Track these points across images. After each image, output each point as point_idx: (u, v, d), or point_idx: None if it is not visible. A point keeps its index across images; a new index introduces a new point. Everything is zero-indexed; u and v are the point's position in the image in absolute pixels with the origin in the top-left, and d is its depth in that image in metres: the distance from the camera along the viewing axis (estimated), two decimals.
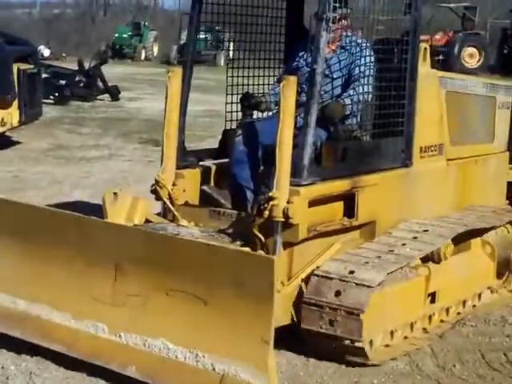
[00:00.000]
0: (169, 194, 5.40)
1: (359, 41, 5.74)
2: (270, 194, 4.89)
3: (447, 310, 5.68)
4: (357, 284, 4.85)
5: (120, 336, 4.54)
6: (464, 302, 5.85)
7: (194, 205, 5.49)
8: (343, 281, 4.90)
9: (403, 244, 5.38)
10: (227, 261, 4.19)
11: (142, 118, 15.74)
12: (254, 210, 4.99)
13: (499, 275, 6.31)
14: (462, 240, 5.99)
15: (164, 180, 5.41)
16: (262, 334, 4.12)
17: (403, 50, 5.72)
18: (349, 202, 5.41)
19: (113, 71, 19.88)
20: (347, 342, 4.85)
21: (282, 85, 4.88)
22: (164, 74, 5.46)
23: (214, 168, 5.74)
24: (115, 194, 4.60)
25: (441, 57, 29.85)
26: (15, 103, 12.31)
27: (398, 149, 5.80)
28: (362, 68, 5.64)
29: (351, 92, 5.59)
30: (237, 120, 5.98)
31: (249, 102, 5.83)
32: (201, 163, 5.77)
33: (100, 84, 17.73)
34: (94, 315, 4.66)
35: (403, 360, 5.08)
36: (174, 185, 5.44)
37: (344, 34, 5.82)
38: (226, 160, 5.81)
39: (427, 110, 5.99)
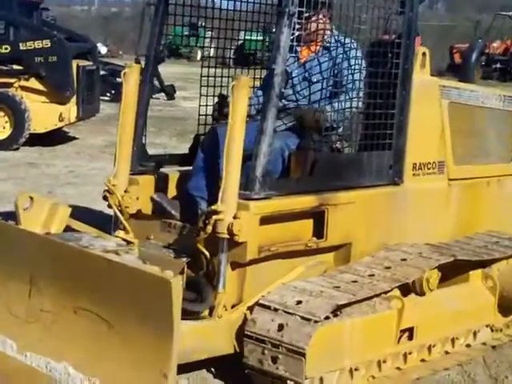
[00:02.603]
0: (119, 202, 4.92)
1: (346, 41, 5.15)
2: (214, 208, 4.36)
3: (429, 349, 5.02)
4: (301, 317, 4.28)
5: (26, 356, 4.07)
6: (453, 341, 5.17)
7: (146, 215, 4.99)
8: (287, 313, 4.33)
9: (371, 275, 4.76)
10: (127, 280, 3.68)
11: (196, 118, 15.19)
12: (199, 224, 4.47)
13: (505, 313, 5.59)
14: (460, 271, 5.35)
15: (115, 186, 4.94)
16: (161, 366, 3.59)
17: (395, 54, 5.12)
18: (317, 220, 4.84)
19: (168, 70, 19.62)
20: (290, 382, 4.28)
21: (232, 85, 4.34)
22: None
23: (175, 175, 5.23)
24: (31, 198, 4.14)
25: (498, 65, 29.14)
26: (73, 99, 12.43)
27: (384, 164, 5.18)
28: (347, 72, 5.06)
29: (334, 99, 5.02)
30: (212, 124, 5.46)
31: (223, 107, 5.28)
32: (165, 169, 5.26)
33: (156, 83, 17.38)
34: (6, 330, 4.21)
35: (455, 369, 4.97)
36: (126, 191, 4.96)
37: (328, 32, 5.25)
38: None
39: (424, 123, 5.38)
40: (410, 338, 4.92)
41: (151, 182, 5.11)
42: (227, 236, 4.37)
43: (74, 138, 13.70)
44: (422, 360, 5.01)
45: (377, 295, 4.65)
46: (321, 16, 5.23)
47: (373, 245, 5.13)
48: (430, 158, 5.45)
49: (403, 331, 4.87)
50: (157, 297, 3.53)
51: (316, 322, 4.25)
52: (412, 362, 4.92)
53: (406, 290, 4.95)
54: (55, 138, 12.86)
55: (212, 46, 5.76)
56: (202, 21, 5.32)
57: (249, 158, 4.51)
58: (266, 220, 4.53)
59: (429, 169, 5.45)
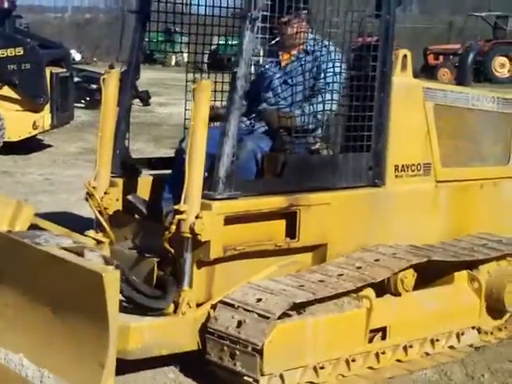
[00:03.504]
0: (98, 203, 5.09)
1: (325, 43, 5.21)
2: (176, 207, 4.48)
3: (405, 349, 5.03)
4: (258, 315, 4.37)
5: None
6: (433, 342, 5.17)
7: (125, 216, 5.14)
8: (246, 310, 4.42)
9: (340, 274, 4.80)
10: (68, 274, 3.83)
11: (172, 123, 15.21)
12: (165, 223, 4.60)
13: (495, 315, 5.56)
14: (445, 273, 5.35)
15: (95, 188, 5.10)
16: (99, 357, 3.73)
17: (373, 57, 5.17)
18: (290, 221, 4.91)
19: (143, 76, 19.74)
20: (247, 378, 4.37)
21: (192, 89, 4.47)
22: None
23: (156, 178, 5.37)
24: None
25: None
26: (47, 107, 12.28)
27: (363, 166, 5.23)
28: (326, 74, 5.13)
29: (307, 101, 5.10)
30: None
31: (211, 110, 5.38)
32: (148, 172, 5.40)
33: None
34: None
35: (432, 369, 4.99)
36: (105, 193, 5.12)
37: (308, 36, 5.32)
38: None
39: (406, 125, 5.40)
40: (384, 337, 4.94)
41: (132, 184, 5.25)
42: (189, 235, 4.48)
43: (49, 146, 13.53)
44: (398, 360, 5.02)
45: (342, 294, 4.70)
46: (299, 20, 5.31)
47: (351, 246, 5.18)
48: (414, 159, 5.47)
49: (375, 331, 4.90)
50: (92, 290, 3.67)
51: (271, 319, 4.32)
52: (386, 361, 4.94)
53: (382, 290, 5.00)
54: (29, 146, 12.72)
55: (186, 51, 5.86)
56: (177, 26, 5.43)
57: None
58: (231, 220, 4.62)
59: (413, 170, 5.46)
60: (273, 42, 5.37)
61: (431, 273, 5.32)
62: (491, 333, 5.55)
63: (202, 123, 4.48)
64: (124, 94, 5.30)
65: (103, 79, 5.10)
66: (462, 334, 5.34)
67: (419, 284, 5.18)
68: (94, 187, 5.11)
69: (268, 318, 4.34)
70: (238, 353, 4.37)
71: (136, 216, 5.08)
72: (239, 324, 4.40)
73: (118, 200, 5.14)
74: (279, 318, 4.42)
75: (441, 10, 42.41)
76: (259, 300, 4.48)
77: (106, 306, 3.65)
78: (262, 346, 4.28)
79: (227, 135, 4.58)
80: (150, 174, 5.43)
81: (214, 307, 4.60)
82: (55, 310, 3.93)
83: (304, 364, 4.53)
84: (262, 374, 4.34)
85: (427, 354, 5.16)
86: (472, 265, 5.44)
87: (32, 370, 3.99)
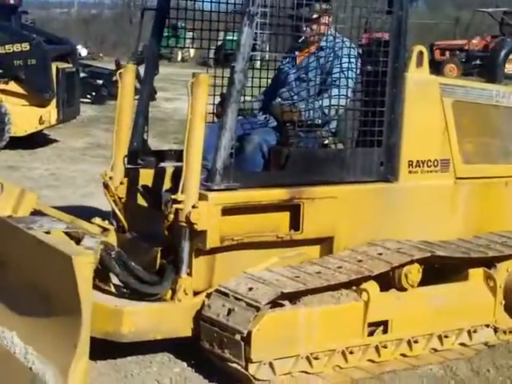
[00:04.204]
0: (114, 193, 5.29)
1: (343, 41, 5.27)
2: (173, 197, 4.63)
3: (409, 344, 5.03)
4: (246, 303, 4.47)
5: None
6: (440, 338, 5.15)
7: (140, 206, 5.32)
8: (236, 299, 4.53)
9: (339, 267, 4.85)
10: (49, 257, 4.01)
11: (177, 119, 15.23)
12: (164, 212, 4.75)
13: None
14: (460, 269, 5.32)
15: (111, 178, 5.31)
16: (73, 337, 3.90)
17: (387, 53, 5.20)
18: (294, 213, 5.00)
19: None
20: (235, 364, 4.48)
21: (190, 83, 4.60)
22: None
23: (174, 170, 5.51)
24: (1, 185, 4.57)
25: (478, 61, 28.62)
26: (53, 102, 12.25)
27: (374, 161, 5.25)
28: (337, 70, 5.19)
29: (318, 96, 5.17)
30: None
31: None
32: (167, 164, 5.56)
33: (137, 84, 16.75)
34: None
35: (438, 364, 4.99)
36: (121, 183, 5.32)
37: (328, 32, 5.39)
38: None
39: (421, 121, 5.39)
40: (385, 331, 4.96)
41: (147, 175, 5.42)
42: (186, 224, 4.62)
43: (55, 141, 13.53)
44: (403, 355, 5.03)
45: (340, 286, 4.75)
46: (325, 17, 5.40)
47: (361, 240, 5.21)
48: (431, 155, 5.45)
49: (376, 324, 4.92)
50: (66, 272, 3.85)
51: (257, 307, 4.42)
52: (388, 355, 4.95)
53: (388, 285, 5.02)
54: (36, 140, 12.76)
55: (192, 46, 5.98)
56: (182, 22, 5.57)
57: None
58: (229, 211, 4.74)
59: (429, 166, 5.45)
60: (300, 40, 5.47)
61: (446, 269, 5.30)
62: (510, 332, 5.47)
63: (199, 116, 4.61)
64: (143, 88, 5.49)
65: (119, 74, 5.29)
66: (475, 331, 5.29)
67: (433, 280, 5.19)
68: (110, 177, 5.31)
69: (254, 306, 4.43)
70: (225, 340, 4.48)
71: (147, 205, 5.26)
72: (229, 312, 4.51)
73: (132, 190, 5.32)
74: (272, 307, 4.53)
75: (447, 6, 41.67)
76: (250, 289, 4.58)
77: (77, 288, 3.82)
78: (247, 333, 4.38)
79: (225, 128, 4.70)
80: (169, 166, 5.57)
81: (209, 295, 4.72)
82: (39, 292, 4.12)
83: (296, 353, 4.60)
84: (251, 362, 4.43)
85: (435, 349, 5.15)
86: (489, 262, 5.38)
87: (19, 347, 4.19)
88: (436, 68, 26.27)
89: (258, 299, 4.46)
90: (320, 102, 5.09)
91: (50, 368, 3.94)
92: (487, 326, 5.36)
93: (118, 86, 5.42)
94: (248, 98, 5.74)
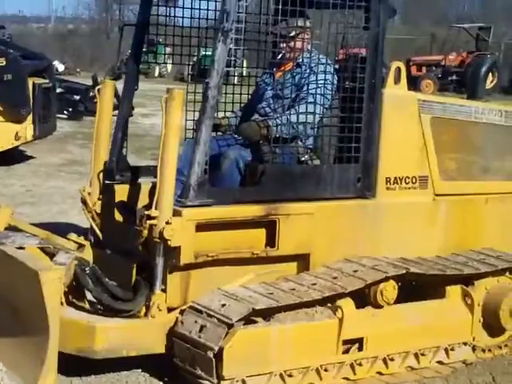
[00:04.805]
0: (91, 209, 5.29)
1: (319, 58, 5.29)
2: (147, 213, 4.63)
3: (385, 362, 5.01)
4: (218, 320, 4.46)
5: None
6: (417, 356, 5.13)
7: (114, 220, 5.31)
8: (209, 315, 4.52)
9: (313, 284, 4.84)
10: (17, 273, 4.02)
11: (155, 134, 14.75)
12: (139, 228, 4.75)
13: (493, 332, 5.46)
14: (438, 285, 5.30)
15: (89, 194, 5.31)
16: (40, 353, 3.91)
17: (363, 69, 5.20)
18: (269, 230, 4.99)
19: None
20: (206, 382, 4.46)
21: (164, 98, 4.60)
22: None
23: (149, 186, 5.51)
24: None
25: (454, 77, 29.21)
26: (30, 118, 12.08)
27: (350, 177, 5.25)
28: (312, 86, 5.19)
29: (289, 112, 5.18)
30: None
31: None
32: (142, 180, 5.55)
33: (114, 99, 16.59)
34: None
35: (414, 382, 4.99)
36: (99, 199, 5.32)
37: (305, 50, 5.40)
38: None
39: (399, 137, 5.39)
40: (361, 348, 4.95)
41: (127, 191, 5.41)
42: (159, 240, 4.62)
43: (31, 157, 13.38)
44: (379, 373, 5.01)
45: (314, 303, 4.74)
46: (304, 34, 5.41)
47: (337, 257, 5.19)
48: (409, 172, 5.44)
49: (351, 342, 4.91)
50: (34, 288, 3.85)
51: (229, 324, 4.41)
52: (364, 373, 4.93)
53: (364, 302, 5.01)
54: (12, 157, 12.49)
55: (170, 62, 6.00)
56: (160, 37, 5.57)
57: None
58: (203, 227, 4.73)
59: (407, 183, 5.44)
60: (278, 56, 5.48)
61: (423, 287, 5.30)
62: (489, 350, 5.46)
63: (173, 132, 4.60)
64: (123, 103, 5.49)
65: (98, 90, 5.30)
66: (452, 349, 5.27)
67: (411, 297, 5.18)
68: (88, 193, 5.31)
69: (226, 323, 4.42)
70: (198, 357, 4.47)
71: (123, 221, 5.25)
72: (201, 328, 4.50)
73: (110, 206, 5.31)
74: (247, 323, 4.52)
75: (424, 21, 42.02)
76: (223, 305, 4.56)
77: (44, 304, 3.82)
78: (218, 350, 4.37)
79: (199, 143, 4.70)
80: (146, 182, 5.57)
81: (182, 312, 4.71)
82: (9, 307, 4.13)
83: (269, 371, 4.59)
84: (223, 379, 4.43)
85: (412, 367, 5.13)
86: (468, 280, 5.38)
87: None
88: (412, 83, 26.38)
89: (229, 315, 4.45)
90: (292, 117, 5.08)
91: None
92: (465, 343, 5.34)
93: (95, 102, 5.42)
94: (227, 114, 5.75)
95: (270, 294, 4.72)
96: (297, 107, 5.11)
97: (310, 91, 5.15)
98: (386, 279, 4.93)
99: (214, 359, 4.39)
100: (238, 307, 4.52)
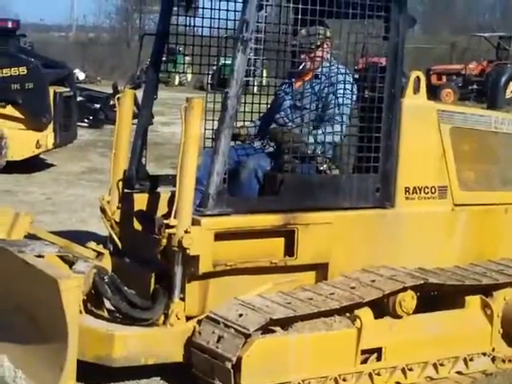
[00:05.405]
0: (110, 218, 5.31)
1: (339, 69, 5.30)
2: (166, 222, 4.65)
3: (404, 372, 4.99)
4: (235, 330, 4.46)
5: None
6: (436, 366, 5.11)
7: (133, 229, 5.34)
8: (226, 326, 4.52)
9: (331, 293, 4.84)
10: (37, 280, 4.05)
11: (174, 143, 14.52)
12: (158, 237, 4.77)
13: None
14: (457, 296, 5.29)
15: (108, 202, 5.34)
16: (59, 360, 3.93)
17: (382, 79, 5.21)
18: (288, 239, 5.00)
19: None
20: None
21: (183, 107, 4.63)
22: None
23: (168, 195, 5.52)
24: None
25: (475, 86, 28.95)
26: (50, 126, 12.20)
27: (369, 187, 5.25)
28: (332, 99, 5.21)
29: (314, 128, 5.20)
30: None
31: None
32: (161, 189, 5.57)
33: (134, 108, 16.45)
34: None
35: None
36: (118, 208, 5.35)
37: (325, 61, 5.41)
38: None
39: (418, 147, 5.38)
40: (379, 359, 4.94)
41: (147, 199, 5.43)
42: (178, 249, 4.63)
43: (52, 165, 13.47)
44: (397, 383, 5.00)
45: (333, 313, 4.74)
46: (324, 46, 5.42)
47: (356, 266, 5.19)
48: (428, 182, 5.44)
49: (369, 352, 4.90)
50: (53, 296, 3.87)
51: (246, 334, 4.41)
52: (383, 383, 4.92)
53: (383, 312, 5.00)
54: (32, 165, 12.63)
55: (190, 71, 6.02)
56: (180, 47, 5.60)
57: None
58: (222, 236, 4.74)
59: (426, 193, 5.44)
60: (298, 67, 5.48)
61: (443, 297, 5.28)
62: (509, 360, 5.43)
63: (192, 141, 4.63)
64: (142, 112, 5.52)
65: (118, 98, 5.33)
66: (471, 359, 5.25)
67: (430, 307, 5.17)
68: (107, 201, 5.34)
69: (243, 333, 4.42)
70: (215, 367, 4.47)
71: (142, 230, 5.27)
72: (219, 339, 4.50)
73: (129, 215, 5.34)
74: (264, 332, 4.52)
75: (444, 31, 41.86)
76: (240, 315, 4.56)
77: (63, 312, 3.84)
78: (236, 360, 4.37)
79: (218, 153, 4.72)
80: (165, 191, 5.59)
81: (200, 322, 4.71)
82: (28, 315, 4.16)
83: (287, 380, 4.58)
84: None
85: (431, 378, 5.11)
86: (486, 290, 5.36)
87: (9, 371, 4.22)
88: (432, 93, 26.49)
89: (246, 326, 4.45)
90: (320, 136, 5.09)
91: None
92: (484, 354, 5.32)
93: (115, 110, 5.45)
94: (246, 123, 5.77)
95: (287, 303, 4.72)
96: (326, 124, 5.12)
97: (333, 102, 5.15)
98: (404, 289, 4.91)
99: (231, 370, 4.38)
100: (255, 317, 4.52)
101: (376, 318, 4.91)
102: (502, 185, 5.83)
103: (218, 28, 5.48)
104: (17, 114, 12.11)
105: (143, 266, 5.05)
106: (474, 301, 5.31)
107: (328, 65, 5.36)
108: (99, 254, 5.08)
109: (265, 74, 6.34)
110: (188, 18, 5.52)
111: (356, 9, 5.03)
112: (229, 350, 4.41)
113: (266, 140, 5.39)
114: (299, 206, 5.00)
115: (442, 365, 5.14)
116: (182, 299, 4.76)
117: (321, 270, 5.14)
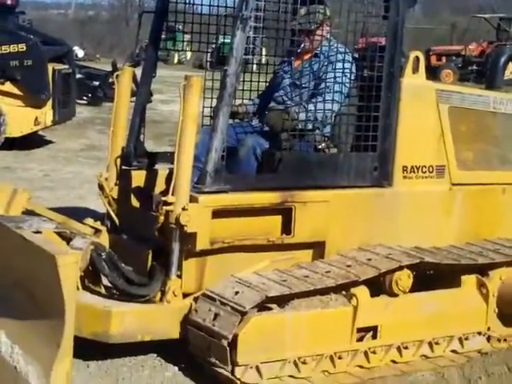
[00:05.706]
0: (108, 194, 5.32)
1: (338, 47, 5.29)
2: (164, 199, 4.65)
3: (399, 350, 5.02)
4: (231, 308, 4.48)
5: None
6: (431, 345, 5.14)
7: (131, 206, 5.35)
8: (222, 303, 4.54)
9: (327, 271, 4.85)
10: (35, 256, 4.03)
11: (173, 121, 14.51)
12: (155, 214, 4.78)
13: (508, 322, 5.46)
14: (453, 275, 5.30)
15: (106, 179, 5.34)
16: (56, 336, 3.94)
17: (381, 58, 5.20)
18: (285, 217, 5.01)
19: None
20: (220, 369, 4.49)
21: (182, 85, 4.62)
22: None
23: (166, 172, 5.53)
24: None
25: (474, 67, 29.13)
26: (49, 103, 12.23)
27: (367, 166, 5.26)
28: (331, 75, 5.20)
29: (309, 101, 5.19)
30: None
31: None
32: (159, 166, 5.57)
33: (133, 86, 16.41)
34: None
35: (428, 370, 4.97)
36: (116, 185, 5.35)
37: (324, 40, 5.40)
38: None
39: (417, 127, 5.39)
40: (374, 337, 4.96)
41: (144, 177, 5.44)
42: (176, 226, 4.64)
43: (50, 142, 13.48)
44: (393, 361, 5.03)
45: (329, 291, 4.75)
46: (323, 28, 5.41)
47: (352, 244, 5.21)
48: (426, 161, 5.45)
49: (365, 330, 4.92)
50: (51, 272, 3.87)
51: (242, 312, 4.42)
52: (378, 361, 4.94)
53: (379, 290, 5.02)
54: (31, 141, 12.67)
55: (189, 49, 6.01)
56: (179, 25, 5.59)
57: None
58: (220, 213, 4.75)
59: (424, 172, 5.44)
60: (298, 46, 5.47)
61: (439, 276, 5.30)
62: (504, 340, 5.45)
63: (190, 119, 4.63)
64: (141, 90, 5.52)
65: (116, 76, 5.32)
66: (466, 338, 5.27)
67: (426, 286, 5.18)
68: (105, 179, 5.35)
69: (239, 311, 4.44)
70: (212, 345, 4.49)
71: (140, 207, 5.28)
72: (215, 316, 4.52)
73: (127, 192, 5.35)
74: (261, 310, 4.54)
75: (444, 11, 41.73)
76: (236, 293, 4.58)
77: (61, 288, 3.85)
78: (232, 338, 4.39)
79: (216, 130, 4.72)
80: (163, 168, 5.59)
81: (196, 299, 4.73)
82: (26, 291, 4.16)
83: (283, 357, 4.60)
84: (237, 365, 4.44)
85: (426, 356, 5.14)
86: (482, 270, 5.37)
87: (6, 346, 4.23)
88: (432, 73, 26.52)
89: (242, 303, 4.47)
90: (311, 105, 5.09)
91: (33, 367, 3.97)
92: (479, 333, 5.34)
93: (114, 88, 5.45)
94: (245, 101, 5.76)
95: (283, 281, 4.73)
96: (318, 97, 5.11)
97: (330, 80, 5.14)
98: (400, 268, 4.93)
99: (227, 347, 4.40)
100: (251, 295, 4.54)
101: (372, 296, 4.93)
102: (500, 165, 5.84)
103: (218, 6, 5.47)
104: (15, 90, 12.13)
105: (140, 243, 5.06)
106: (469, 280, 5.33)
107: (327, 44, 5.35)
108: (97, 231, 5.09)
109: (264, 53, 6.31)
110: None
111: None
112: (225, 327, 4.43)
113: (264, 124, 5.38)
114: (297, 184, 5.01)
115: (437, 343, 5.16)
116: (179, 276, 4.77)
117: (318, 248, 5.15)
